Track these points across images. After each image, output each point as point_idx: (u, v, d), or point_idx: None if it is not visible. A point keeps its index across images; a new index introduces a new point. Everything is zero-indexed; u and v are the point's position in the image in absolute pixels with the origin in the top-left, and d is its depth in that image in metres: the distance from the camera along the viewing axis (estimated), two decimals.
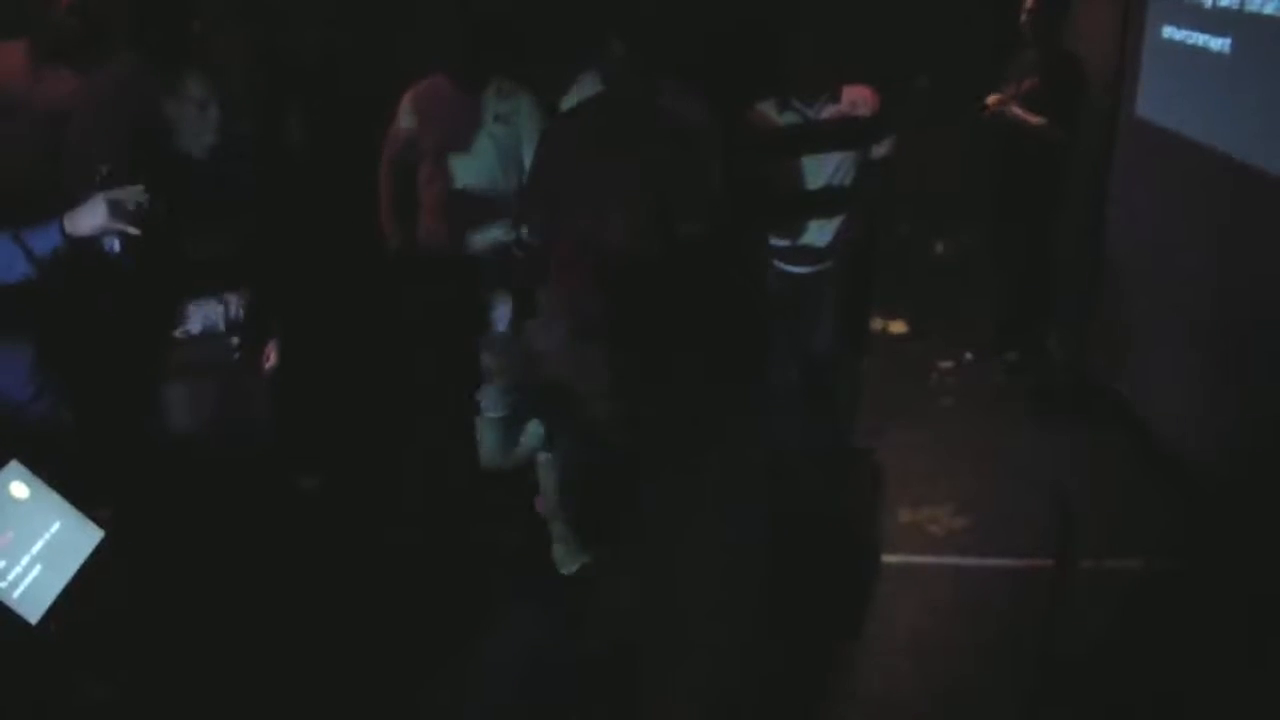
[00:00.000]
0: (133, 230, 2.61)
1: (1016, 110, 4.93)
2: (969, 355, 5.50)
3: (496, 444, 3.85)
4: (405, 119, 4.13)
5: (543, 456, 3.81)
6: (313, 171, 4.47)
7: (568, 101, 4.09)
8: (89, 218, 2.56)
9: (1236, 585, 3.54)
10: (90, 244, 2.60)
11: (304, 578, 3.46)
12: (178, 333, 3.34)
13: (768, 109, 4.09)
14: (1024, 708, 3.15)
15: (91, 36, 3.84)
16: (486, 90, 4.08)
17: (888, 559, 3.91)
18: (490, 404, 3.83)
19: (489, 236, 4.11)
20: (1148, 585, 3.67)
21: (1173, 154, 4.53)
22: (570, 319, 3.56)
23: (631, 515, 3.59)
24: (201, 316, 3.37)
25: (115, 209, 2.57)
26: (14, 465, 2.50)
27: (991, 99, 5.00)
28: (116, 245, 2.63)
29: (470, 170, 4.07)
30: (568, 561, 3.81)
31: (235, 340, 3.43)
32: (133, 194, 2.61)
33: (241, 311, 3.42)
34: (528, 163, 3.91)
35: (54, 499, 2.55)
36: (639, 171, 3.45)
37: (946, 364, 5.44)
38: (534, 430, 3.83)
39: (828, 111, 4.06)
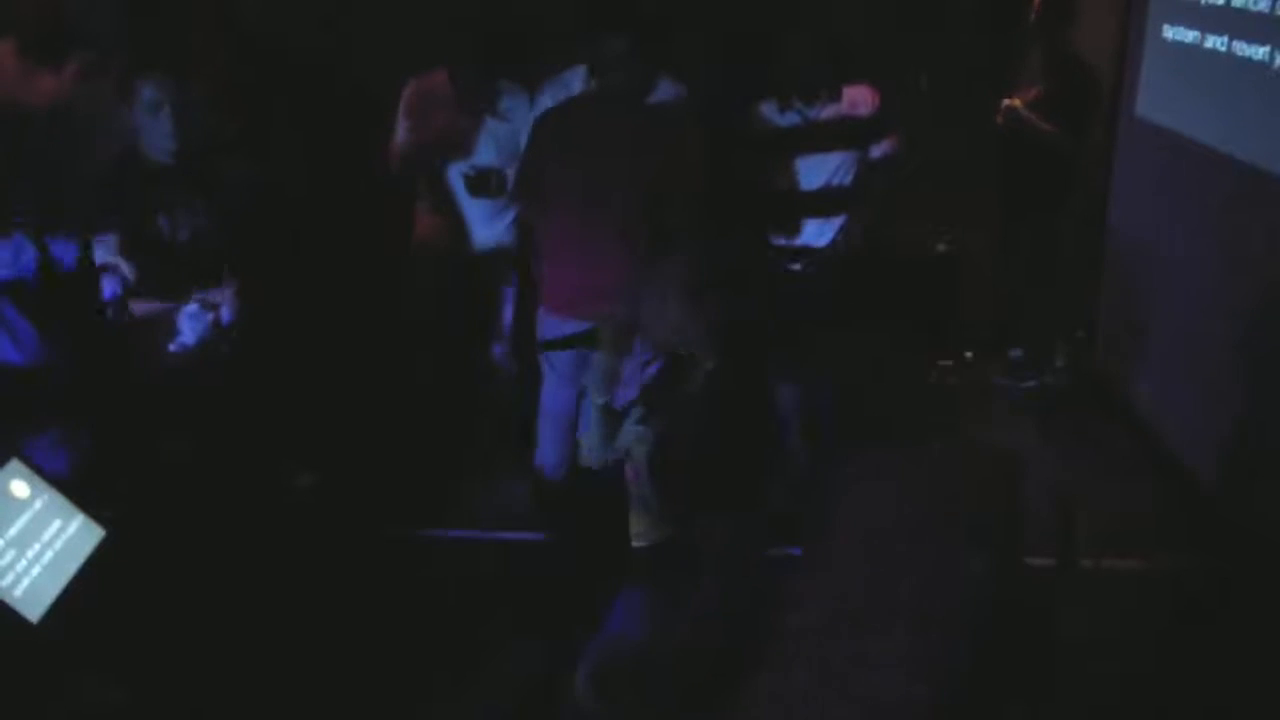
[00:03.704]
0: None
1: (1028, 114, 4.83)
2: (968, 354, 5.50)
3: (601, 436, 3.67)
4: (405, 116, 4.13)
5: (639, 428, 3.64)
6: (307, 170, 4.46)
7: (548, 94, 4.05)
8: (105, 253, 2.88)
9: (1236, 585, 3.54)
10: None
11: (302, 576, 3.45)
12: (172, 346, 3.31)
13: (769, 109, 4.09)
14: (1024, 707, 3.15)
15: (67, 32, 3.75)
16: (485, 88, 4.08)
17: None
18: (597, 389, 3.45)
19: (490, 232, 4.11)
20: (1148, 585, 3.67)
21: (1173, 154, 4.52)
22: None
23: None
24: (192, 327, 3.34)
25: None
26: (14, 464, 2.50)
27: (1007, 102, 4.90)
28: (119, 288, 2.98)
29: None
30: (650, 533, 3.69)
31: (227, 348, 3.41)
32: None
33: (231, 316, 3.36)
34: None
35: (55, 498, 2.55)
36: (626, 168, 3.44)
37: (946, 363, 5.44)
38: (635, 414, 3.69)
39: (828, 111, 4.06)
